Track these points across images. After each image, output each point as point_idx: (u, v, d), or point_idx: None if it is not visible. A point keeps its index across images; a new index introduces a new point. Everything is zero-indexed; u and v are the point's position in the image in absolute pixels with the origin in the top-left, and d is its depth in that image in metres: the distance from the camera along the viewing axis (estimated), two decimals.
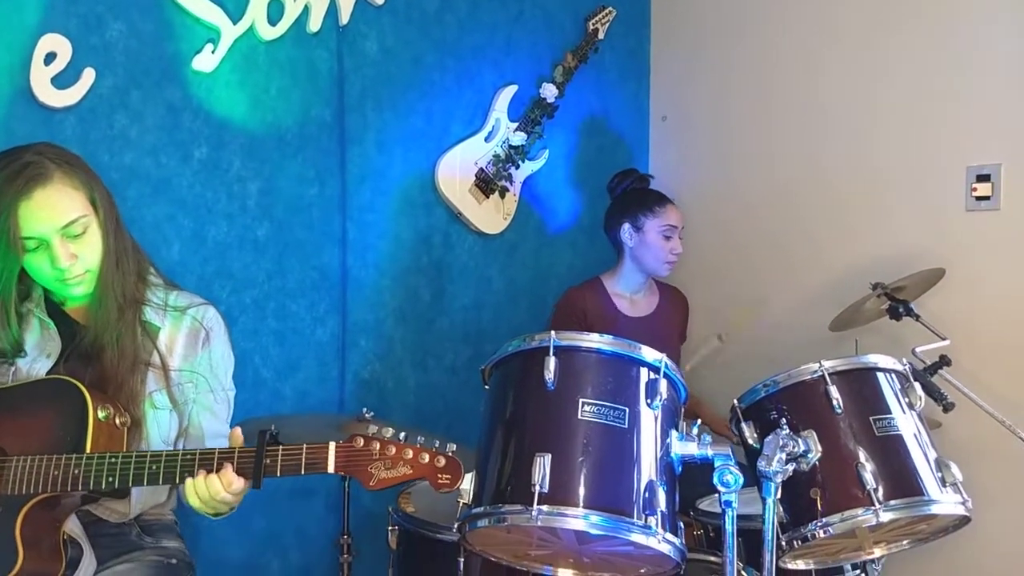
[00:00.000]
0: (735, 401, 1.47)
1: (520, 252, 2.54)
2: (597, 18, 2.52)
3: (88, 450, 1.26)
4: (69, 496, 1.29)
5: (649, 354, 1.32)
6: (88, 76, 1.76)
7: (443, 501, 1.54)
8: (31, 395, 1.31)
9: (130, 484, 1.25)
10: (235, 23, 1.94)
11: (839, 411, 1.39)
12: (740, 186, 2.59)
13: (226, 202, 2.00)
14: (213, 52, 1.92)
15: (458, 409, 2.42)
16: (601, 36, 2.56)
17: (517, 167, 2.46)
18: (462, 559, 1.51)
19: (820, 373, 1.40)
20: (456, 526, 1.27)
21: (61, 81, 1.73)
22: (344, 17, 2.12)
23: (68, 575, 1.30)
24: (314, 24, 2.07)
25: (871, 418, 1.39)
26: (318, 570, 2.16)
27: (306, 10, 2.05)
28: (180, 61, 1.90)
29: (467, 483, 1.26)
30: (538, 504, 1.16)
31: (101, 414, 1.28)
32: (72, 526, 1.33)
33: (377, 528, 1.90)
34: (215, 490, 1.23)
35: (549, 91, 2.47)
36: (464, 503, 1.25)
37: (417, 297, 2.35)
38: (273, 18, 2.00)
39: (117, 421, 1.31)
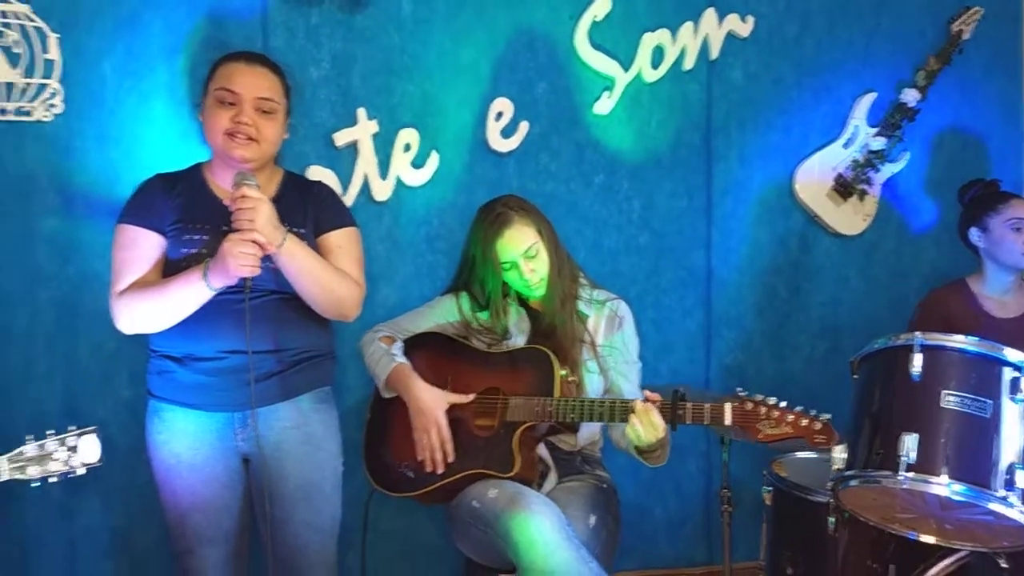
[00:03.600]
0: None
1: (879, 252, 2.65)
2: (962, 19, 2.53)
3: (556, 395, 1.80)
4: (541, 425, 1.84)
5: (1013, 355, 1.46)
6: (523, 127, 2.34)
7: (812, 470, 1.84)
8: (519, 357, 1.90)
9: (585, 419, 1.78)
10: (626, 71, 2.40)
11: None
12: None
13: (616, 217, 2.47)
14: (609, 97, 2.40)
15: (815, 398, 2.58)
16: (966, 36, 2.56)
17: (877, 170, 2.58)
18: (832, 519, 1.78)
19: None
20: (830, 485, 1.55)
21: (506, 132, 2.33)
22: (714, 53, 2.47)
23: (540, 483, 1.87)
24: (688, 63, 2.45)
25: None
26: (692, 518, 2.56)
27: (682, 52, 2.43)
28: (584, 107, 2.40)
29: (838, 453, 1.54)
30: (904, 472, 1.40)
31: (563, 372, 1.83)
32: (542, 450, 1.91)
33: (742, 489, 2.25)
34: (656, 422, 1.67)
35: (910, 95, 2.56)
36: (837, 468, 1.53)
37: (775, 294, 2.61)
38: (655, 63, 2.42)
39: (571, 379, 1.85)
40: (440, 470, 1.84)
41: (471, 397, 1.87)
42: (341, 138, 2.21)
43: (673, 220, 2.52)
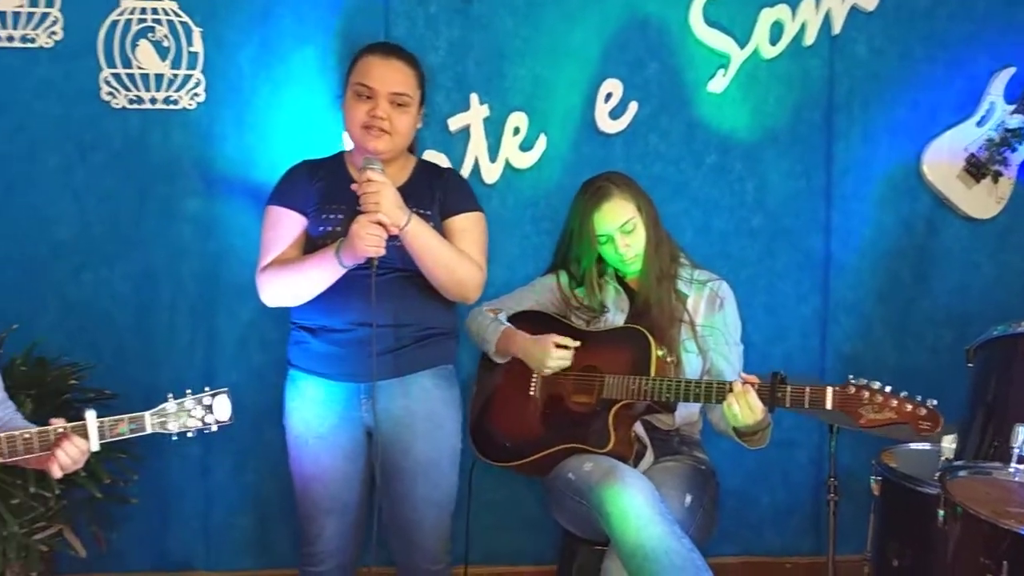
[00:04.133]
0: None
1: (1015, 237, 2.48)
2: None
3: (652, 375, 1.82)
4: (638, 404, 1.86)
5: None
6: (632, 108, 2.34)
7: (924, 461, 1.76)
8: (616, 337, 1.92)
9: (680, 399, 1.80)
10: (742, 48, 2.35)
11: None
12: None
13: (728, 198, 2.43)
14: (724, 75, 2.35)
15: (938, 390, 2.43)
16: None
17: (1014, 150, 2.41)
18: (942, 511, 1.70)
19: None
20: (937, 475, 1.50)
21: (614, 113, 2.34)
22: (836, 27, 2.37)
23: (636, 462, 1.90)
24: (809, 38, 2.36)
25: None
26: (800, 508, 2.51)
27: (802, 28, 2.35)
28: (697, 86, 2.37)
29: (948, 443, 1.48)
30: (1017, 464, 1.33)
31: (659, 352, 1.85)
32: (639, 429, 1.94)
33: (855, 481, 2.18)
34: (753, 403, 1.67)
35: None
36: (946, 458, 1.48)
37: (898, 280, 2.49)
38: (773, 38, 2.35)
39: (668, 359, 1.87)
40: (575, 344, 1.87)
41: (574, 349, 1.89)
42: (455, 123, 2.29)
43: (789, 201, 2.45)
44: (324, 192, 1.85)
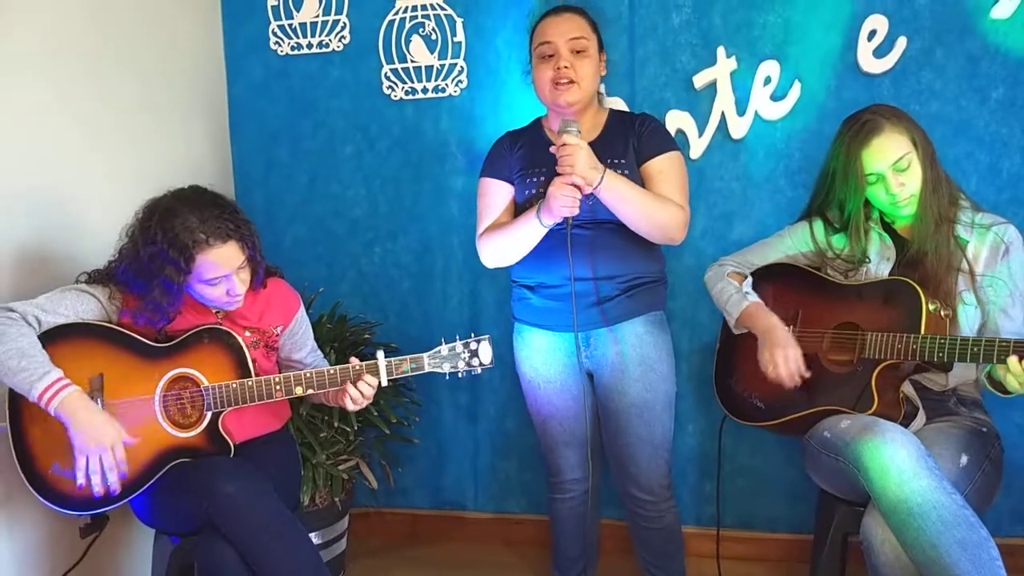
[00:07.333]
0: None
1: None
2: None
3: (922, 332, 1.64)
4: (906, 363, 1.70)
5: None
6: (900, 44, 2.15)
7: None
8: (879, 290, 1.76)
9: (955, 360, 1.60)
10: None
11: None
12: None
13: (1020, 136, 2.13)
14: None
15: None
16: None
17: None
18: None
19: None
20: None
21: (879, 52, 2.16)
22: None
23: (905, 423, 1.73)
24: None
25: None
26: None
27: None
28: (979, 14, 2.11)
29: None
30: None
31: (931, 307, 1.66)
32: (908, 389, 1.76)
33: None
34: None
35: None
36: None
37: None
38: None
39: (942, 313, 1.67)
40: (797, 383, 1.80)
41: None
42: (700, 80, 2.27)
43: None
44: (525, 158, 1.96)
